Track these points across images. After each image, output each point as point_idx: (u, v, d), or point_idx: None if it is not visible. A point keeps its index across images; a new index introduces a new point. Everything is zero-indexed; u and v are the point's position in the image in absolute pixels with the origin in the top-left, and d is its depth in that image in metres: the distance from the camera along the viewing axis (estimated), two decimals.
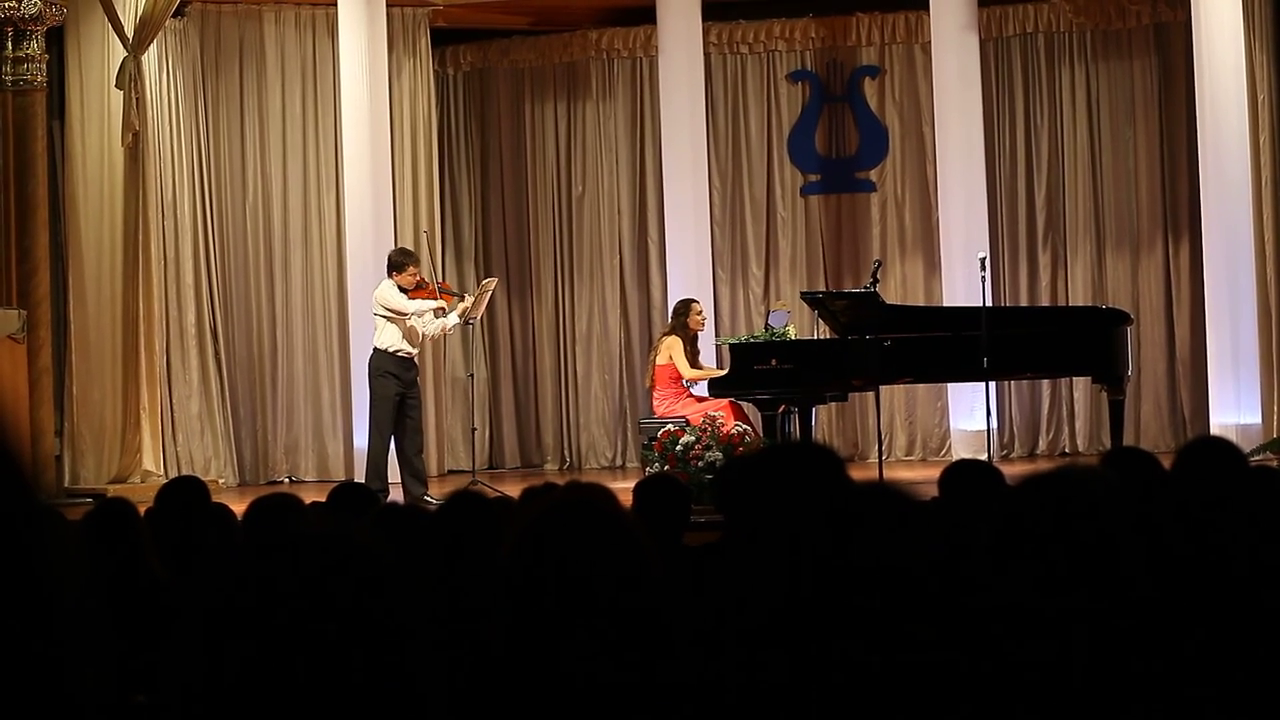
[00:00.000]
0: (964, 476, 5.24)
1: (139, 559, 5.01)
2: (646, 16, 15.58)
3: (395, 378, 12.15)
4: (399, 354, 12.16)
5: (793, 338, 12.41)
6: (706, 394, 12.55)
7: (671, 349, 12.75)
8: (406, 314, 12.15)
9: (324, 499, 5.91)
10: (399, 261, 12.39)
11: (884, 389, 12.82)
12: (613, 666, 2.25)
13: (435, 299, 12.40)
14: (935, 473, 5.61)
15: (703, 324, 13.05)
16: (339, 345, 15.14)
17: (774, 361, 11.79)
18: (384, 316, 12.21)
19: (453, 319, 12.46)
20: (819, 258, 16.03)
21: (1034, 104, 15.67)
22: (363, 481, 11.60)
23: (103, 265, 13.91)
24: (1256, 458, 11.00)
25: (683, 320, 12.89)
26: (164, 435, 14.24)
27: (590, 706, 2.23)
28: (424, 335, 12.50)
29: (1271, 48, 14.41)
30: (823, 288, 15.31)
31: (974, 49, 14.75)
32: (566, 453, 16.29)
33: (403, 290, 12.26)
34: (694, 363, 12.85)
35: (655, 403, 12.90)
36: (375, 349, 12.27)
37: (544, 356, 16.41)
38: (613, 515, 2.39)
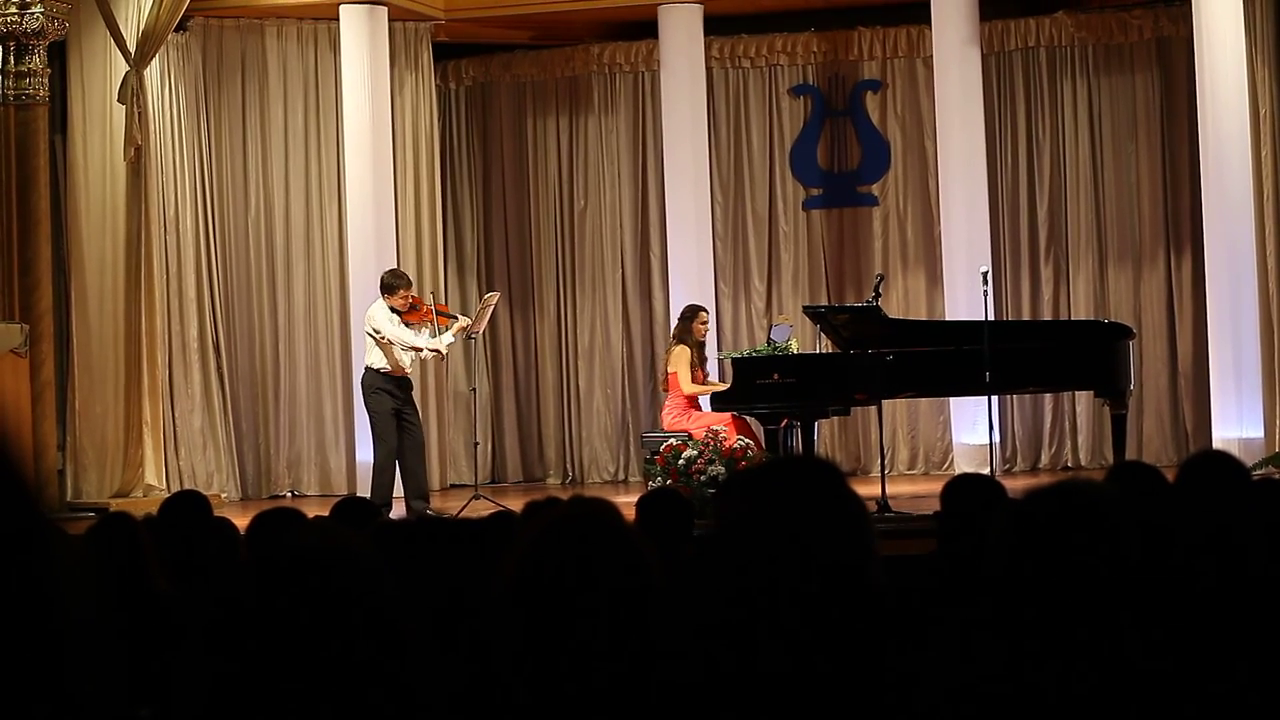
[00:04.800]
0: (966, 491, 5.24)
1: (141, 573, 5.01)
2: (648, 31, 15.60)
3: (389, 394, 12.16)
4: (390, 373, 12.18)
5: (795, 352, 12.41)
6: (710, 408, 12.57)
7: (678, 361, 12.77)
8: (386, 340, 12.13)
9: (327, 513, 5.92)
10: (391, 284, 12.38)
11: (886, 403, 12.81)
12: (616, 676, 2.24)
13: (427, 321, 12.38)
14: (937, 487, 5.61)
15: (705, 333, 13.07)
16: (341, 359, 15.14)
17: (776, 376, 11.78)
18: (372, 337, 12.23)
19: (447, 338, 12.44)
20: (821, 272, 16.03)
21: (1036, 118, 15.67)
22: (367, 496, 11.60)
23: (105, 279, 13.91)
24: (1259, 471, 11.00)
25: (688, 325, 12.91)
26: (166, 449, 14.24)
27: (595, 714, 2.23)
28: (416, 356, 12.48)
29: (1273, 62, 14.41)
30: (825, 302, 15.32)
31: (976, 63, 14.76)
32: (569, 467, 16.28)
33: (395, 311, 12.26)
34: (700, 370, 12.86)
35: (665, 410, 12.92)
36: (367, 367, 12.29)
37: (546, 370, 16.40)
38: (617, 528, 2.39)
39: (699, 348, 12.93)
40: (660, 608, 2.32)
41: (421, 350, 12.35)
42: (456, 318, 12.74)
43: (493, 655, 2.38)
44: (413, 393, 12.53)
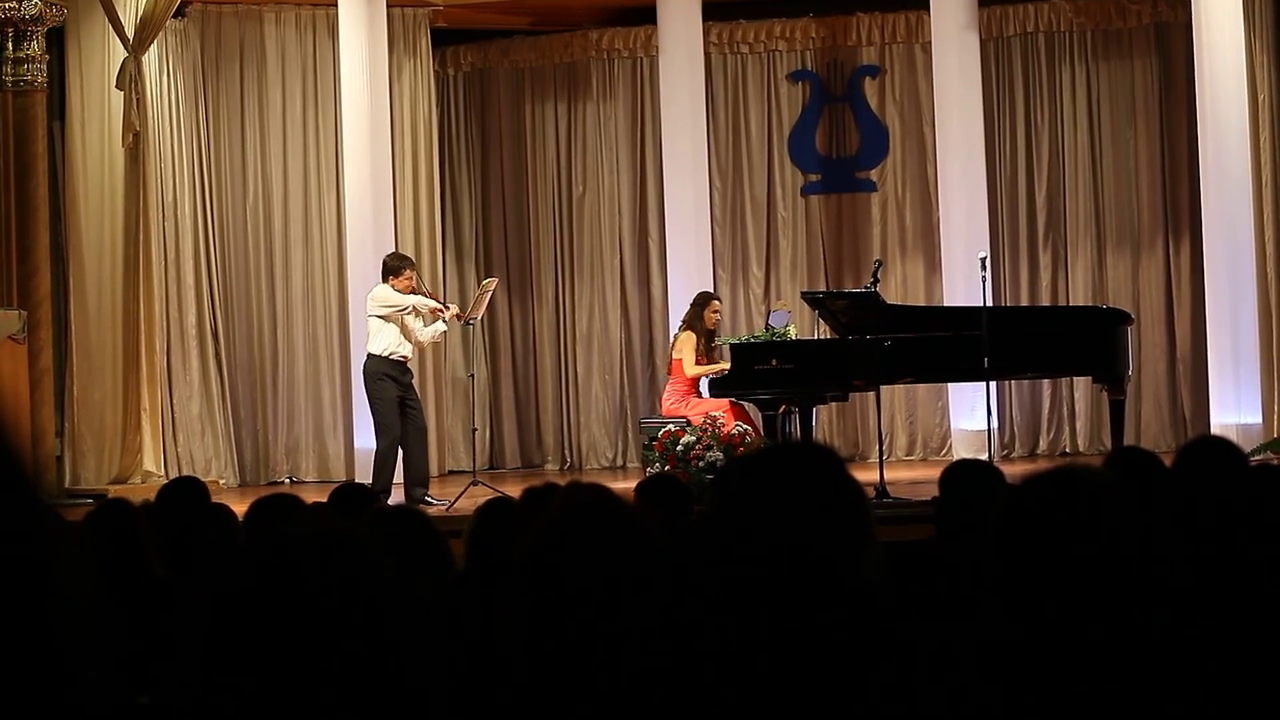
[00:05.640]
0: (964, 476, 5.24)
1: (139, 559, 5.02)
2: (647, 16, 15.58)
3: (393, 380, 12.11)
4: (394, 357, 12.11)
5: (793, 338, 12.40)
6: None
7: (683, 348, 12.74)
8: (405, 308, 12.10)
9: (325, 499, 5.92)
10: (395, 266, 12.34)
11: (885, 389, 12.81)
12: (631, 661, 2.24)
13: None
14: (936, 472, 5.61)
15: (717, 321, 13.03)
16: (339, 345, 15.14)
17: (774, 361, 11.78)
18: (380, 317, 12.14)
19: (440, 326, 12.43)
20: (819, 257, 16.03)
21: (1034, 104, 15.66)
22: (367, 482, 11.57)
23: (103, 266, 13.91)
24: (1257, 457, 11.01)
25: (699, 312, 12.86)
26: (164, 436, 14.24)
27: (613, 701, 2.23)
28: (416, 342, 12.43)
29: (1272, 47, 14.41)
30: (823, 287, 15.31)
31: (974, 48, 14.74)
32: (567, 453, 16.28)
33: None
34: (709, 359, 12.82)
35: (666, 395, 12.91)
36: (370, 354, 12.16)
37: (544, 356, 16.40)
38: (629, 516, 2.39)
39: (709, 336, 12.89)
40: (666, 589, 2.33)
41: (450, 311, 12.28)
42: (448, 306, 12.74)
43: (497, 640, 2.38)
44: (412, 380, 12.50)
